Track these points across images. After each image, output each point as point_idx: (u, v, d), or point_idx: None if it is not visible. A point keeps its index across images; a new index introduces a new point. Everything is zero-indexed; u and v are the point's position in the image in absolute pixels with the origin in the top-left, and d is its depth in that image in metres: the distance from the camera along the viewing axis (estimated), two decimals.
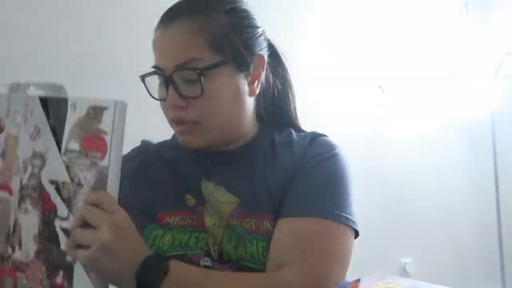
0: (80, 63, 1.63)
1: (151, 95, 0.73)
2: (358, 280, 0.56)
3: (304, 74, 1.96)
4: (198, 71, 0.67)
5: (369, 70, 2.07)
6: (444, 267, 2.12)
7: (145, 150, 0.83)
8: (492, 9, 2.28)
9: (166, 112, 0.73)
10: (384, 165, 2.06)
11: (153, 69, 0.72)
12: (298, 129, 0.82)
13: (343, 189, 0.70)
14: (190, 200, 0.74)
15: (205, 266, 0.69)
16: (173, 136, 0.82)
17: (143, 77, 0.74)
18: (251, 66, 0.73)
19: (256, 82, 0.75)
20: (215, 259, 0.69)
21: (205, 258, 0.69)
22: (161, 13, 0.74)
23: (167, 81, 0.69)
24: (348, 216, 0.67)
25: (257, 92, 0.75)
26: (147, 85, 0.74)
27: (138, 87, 0.77)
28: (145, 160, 0.81)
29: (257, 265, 0.67)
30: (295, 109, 0.85)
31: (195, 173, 0.76)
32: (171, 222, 0.72)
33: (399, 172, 2.10)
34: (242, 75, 0.72)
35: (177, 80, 0.69)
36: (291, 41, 1.98)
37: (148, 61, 0.74)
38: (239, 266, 0.68)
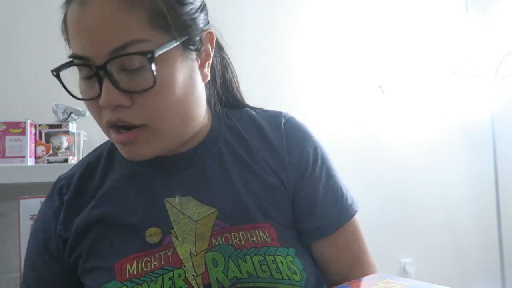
0: None
1: (71, 94, 0.58)
2: (358, 280, 0.56)
3: (299, 74, 1.96)
4: (149, 55, 0.51)
5: (368, 70, 2.07)
6: (444, 267, 2.12)
7: (66, 185, 0.65)
8: (492, 9, 2.28)
9: (98, 115, 0.57)
10: (383, 165, 2.06)
11: (71, 60, 0.57)
12: (252, 108, 0.73)
13: (338, 177, 0.69)
14: (154, 235, 0.58)
15: None
16: (98, 153, 0.68)
17: (57, 71, 0.58)
18: (201, 45, 0.60)
19: (206, 65, 0.62)
20: None
21: None
22: None
23: (99, 73, 0.52)
24: (354, 202, 0.68)
25: (209, 77, 0.63)
26: (63, 81, 0.59)
27: None
28: (75, 199, 0.64)
29: (256, 283, 0.55)
30: (240, 90, 0.75)
31: (151, 192, 0.61)
32: (133, 273, 0.56)
33: (398, 172, 2.10)
34: (192, 57, 0.59)
35: (113, 71, 0.52)
36: (284, 40, 1.98)
37: None
38: None
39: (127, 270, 0.56)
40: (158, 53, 0.52)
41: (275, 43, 1.90)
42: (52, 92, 1.57)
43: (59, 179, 0.68)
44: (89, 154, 0.70)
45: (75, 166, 0.69)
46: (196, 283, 0.55)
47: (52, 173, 1.26)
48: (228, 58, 0.74)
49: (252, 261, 0.56)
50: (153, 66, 0.52)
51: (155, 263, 0.56)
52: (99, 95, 0.53)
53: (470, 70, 2.13)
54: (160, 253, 0.57)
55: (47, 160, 1.35)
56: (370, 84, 2.07)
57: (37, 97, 1.57)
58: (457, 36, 2.25)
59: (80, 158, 1.45)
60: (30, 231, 0.68)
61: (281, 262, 0.57)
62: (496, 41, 2.20)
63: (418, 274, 2.01)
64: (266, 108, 0.76)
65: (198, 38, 0.59)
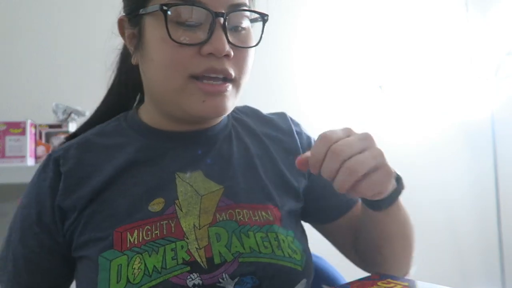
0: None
1: (170, 36, 0.54)
2: (358, 280, 0.56)
3: (299, 74, 1.96)
4: (266, 17, 0.59)
5: (368, 70, 2.07)
6: (444, 267, 2.12)
7: (63, 156, 0.63)
8: (492, 9, 2.28)
9: (184, 64, 0.55)
10: None
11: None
12: None
13: None
14: (156, 204, 0.58)
15: (195, 286, 0.53)
16: (98, 129, 0.67)
17: (168, 6, 0.54)
18: None
19: None
20: (205, 267, 0.54)
21: (191, 275, 0.54)
22: None
23: (215, 21, 0.54)
24: None
25: None
26: (168, 21, 0.54)
27: None
28: (75, 170, 0.61)
29: (258, 258, 0.56)
30: None
31: (162, 166, 0.62)
32: (134, 242, 0.55)
33: (398, 172, 2.09)
34: None
35: (227, 24, 0.56)
36: (284, 40, 1.98)
37: None
38: (237, 265, 0.56)
39: (128, 239, 0.55)
40: (264, 18, 0.60)
41: (275, 43, 1.90)
42: (52, 92, 1.58)
43: (53, 151, 0.65)
44: (87, 132, 0.68)
45: (70, 142, 0.66)
46: (199, 255, 0.55)
47: None
48: None
49: (254, 237, 0.58)
50: (263, 29, 0.59)
51: (156, 232, 0.56)
52: (204, 42, 0.55)
53: (470, 70, 2.13)
54: (162, 222, 0.56)
55: None
56: (370, 84, 2.07)
57: (37, 97, 1.57)
58: (457, 36, 2.25)
59: None
60: (18, 205, 0.65)
61: (283, 240, 0.59)
62: (496, 41, 2.20)
63: (418, 274, 2.01)
64: (266, 108, 0.77)
65: None
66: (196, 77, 0.56)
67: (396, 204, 0.60)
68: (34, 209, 0.61)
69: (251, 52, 0.60)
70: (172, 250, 0.55)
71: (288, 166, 0.68)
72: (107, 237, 0.56)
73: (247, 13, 0.59)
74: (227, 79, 0.57)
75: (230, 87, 0.58)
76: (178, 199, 0.59)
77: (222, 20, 0.55)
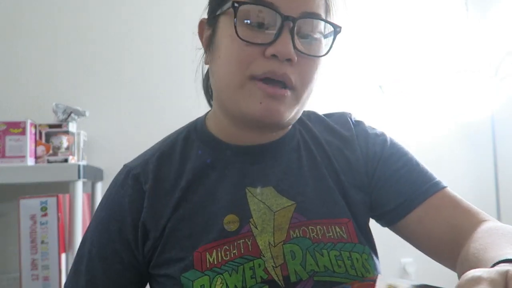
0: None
1: (237, 33, 0.55)
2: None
3: None
4: (338, 29, 0.58)
5: (368, 70, 2.07)
6: (444, 267, 2.11)
7: (143, 173, 0.63)
8: (492, 9, 2.28)
9: (247, 63, 0.55)
10: None
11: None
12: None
13: (414, 156, 0.70)
14: (232, 222, 0.58)
15: None
16: (170, 141, 0.66)
17: (240, 4, 0.54)
18: None
19: None
20: (282, 285, 0.55)
21: None
22: None
23: (284, 24, 0.54)
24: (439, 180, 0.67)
25: None
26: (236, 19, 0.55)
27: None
28: (156, 187, 0.62)
29: (332, 277, 0.56)
30: None
31: (232, 180, 0.61)
32: (213, 262, 0.56)
33: None
34: None
35: (295, 29, 0.55)
36: None
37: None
38: (312, 283, 0.56)
39: (207, 259, 0.56)
40: (337, 31, 0.58)
41: None
42: (52, 92, 1.58)
43: (130, 167, 0.65)
44: (160, 143, 0.68)
45: (146, 154, 0.67)
46: (276, 274, 0.55)
47: (52, 173, 1.27)
48: None
49: (328, 255, 0.57)
50: (333, 39, 0.58)
51: (234, 251, 0.56)
52: (270, 43, 0.54)
53: (470, 70, 2.13)
54: (239, 242, 0.57)
55: (47, 160, 1.35)
56: (370, 84, 2.07)
57: (37, 97, 1.57)
58: (457, 35, 2.25)
59: (80, 158, 1.45)
60: (94, 219, 0.64)
61: (357, 259, 0.58)
62: (497, 40, 2.20)
63: (418, 274, 2.01)
64: None
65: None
66: (256, 78, 0.56)
67: None
68: (114, 226, 0.61)
69: (317, 64, 0.59)
70: (250, 268, 0.55)
71: (348, 179, 0.65)
72: (187, 257, 0.57)
73: (321, 25, 0.58)
74: (286, 85, 0.56)
75: (289, 93, 0.57)
76: (252, 217, 0.59)
77: (291, 24, 0.54)
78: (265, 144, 0.64)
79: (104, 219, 0.63)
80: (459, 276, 0.54)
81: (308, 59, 0.57)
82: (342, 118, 0.73)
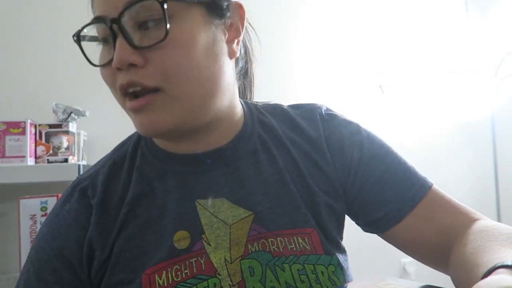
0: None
1: (88, 60, 0.53)
2: (357, 282, 0.56)
3: (299, 74, 1.96)
4: (164, 4, 0.47)
5: (368, 70, 2.07)
6: None
7: (92, 187, 0.58)
8: (492, 9, 2.28)
9: (112, 81, 0.51)
10: None
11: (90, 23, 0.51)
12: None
13: (396, 152, 0.64)
14: (182, 239, 0.53)
15: None
16: (123, 150, 0.61)
17: (77, 36, 0.53)
18: (228, 16, 0.55)
19: (236, 42, 0.56)
20: None
21: None
22: None
23: (114, 30, 0.48)
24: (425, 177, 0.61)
25: (238, 54, 0.56)
26: (83, 49, 0.53)
27: None
28: (103, 202, 0.56)
29: None
30: (253, 90, 0.72)
31: (181, 192, 0.56)
32: (163, 285, 0.50)
33: None
34: (218, 25, 0.53)
35: (127, 27, 0.48)
36: (283, 39, 1.98)
37: None
38: None
39: (156, 282, 0.50)
40: (173, 4, 0.48)
41: (275, 44, 1.89)
42: (52, 92, 1.58)
43: (80, 179, 0.60)
44: (114, 150, 0.64)
45: (98, 164, 0.62)
46: None
47: (52, 173, 1.27)
48: (252, 49, 0.68)
49: (290, 270, 0.52)
50: (165, 16, 0.47)
51: (186, 271, 0.51)
52: (112, 57, 0.49)
53: (470, 70, 2.13)
54: (191, 260, 0.52)
55: (47, 160, 1.35)
56: (370, 84, 2.07)
57: (37, 97, 1.57)
58: (457, 35, 2.25)
59: (80, 158, 1.45)
60: (37, 235, 0.59)
61: (322, 272, 0.53)
62: (496, 40, 2.20)
63: (418, 274, 2.00)
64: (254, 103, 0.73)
65: (225, 4, 0.54)
66: (125, 93, 0.51)
67: None
68: (55, 242, 0.56)
69: (178, 48, 0.49)
70: None
71: (317, 183, 0.59)
72: (135, 280, 0.52)
73: (153, 6, 0.47)
74: (149, 91, 0.49)
75: (157, 98, 0.49)
76: (204, 233, 0.53)
77: (116, 26, 0.48)
78: (214, 150, 0.57)
79: (46, 236, 0.57)
80: (453, 280, 0.53)
81: (160, 50, 0.48)
82: (309, 113, 0.65)
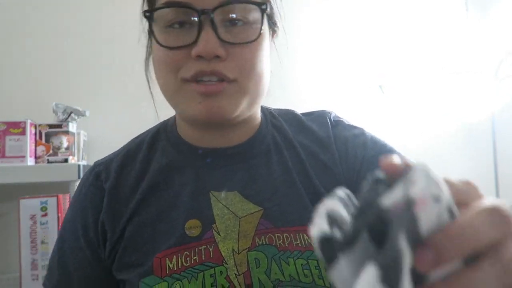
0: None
1: (157, 40, 0.54)
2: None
3: (299, 73, 1.96)
4: (263, 6, 0.52)
5: (368, 70, 2.07)
6: None
7: (105, 171, 0.62)
8: (492, 9, 2.28)
9: (177, 67, 0.54)
10: None
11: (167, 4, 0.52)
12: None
13: (397, 150, 0.65)
14: (194, 228, 0.56)
15: None
16: (139, 141, 0.65)
17: (151, 12, 0.53)
18: (274, 19, 0.61)
19: (272, 42, 0.63)
20: None
21: None
22: None
23: (201, 20, 0.51)
24: None
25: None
26: (153, 27, 0.54)
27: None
28: (116, 188, 0.60)
29: (298, 287, 0.53)
30: None
31: (196, 184, 0.59)
32: (173, 268, 0.54)
33: None
34: (270, 30, 0.61)
35: (216, 20, 0.51)
36: (284, 40, 1.98)
37: None
38: None
39: (167, 265, 0.54)
40: (266, 11, 0.53)
41: (275, 44, 1.90)
42: (52, 92, 1.58)
43: (95, 164, 0.64)
44: (130, 141, 0.67)
45: (114, 152, 0.66)
46: (238, 282, 0.53)
47: (52, 173, 1.27)
48: None
49: (295, 264, 0.54)
50: (263, 19, 0.53)
51: (195, 257, 0.54)
52: (193, 43, 0.51)
53: (470, 70, 2.13)
54: (200, 248, 0.55)
55: (47, 160, 1.35)
56: (370, 84, 2.07)
57: (37, 97, 1.57)
58: (457, 36, 2.25)
59: (80, 158, 1.46)
60: (64, 218, 0.64)
61: (325, 268, 0.54)
62: (497, 40, 2.20)
63: None
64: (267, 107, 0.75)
65: (275, 8, 0.59)
66: (189, 80, 0.54)
67: None
68: (79, 223, 0.61)
69: (257, 50, 0.54)
70: (211, 276, 0.53)
71: (324, 184, 0.61)
72: (147, 263, 0.55)
73: (249, 8, 0.53)
74: (224, 79, 0.53)
75: (227, 86, 0.53)
76: (215, 223, 0.56)
77: (209, 17, 0.51)
78: (232, 147, 0.61)
79: (70, 217, 0.63)
80: None
81: (242, 47, 0.52)
82: (320, 117, 0.69)
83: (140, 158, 0.63)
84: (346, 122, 0.69)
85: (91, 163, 0.64)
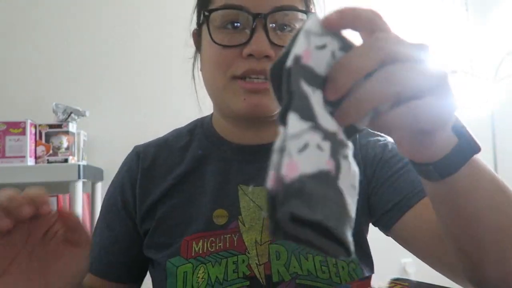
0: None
1: (212, 39, 0.57)
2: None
3: None
4: (310, 15, 0.57)
5: None
6: None
7: (144, 152, 0.68)
8: (492, 10, 2.28)
9: (228, 64, 0.58)
10: None
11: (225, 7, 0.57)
12: None
13: None
14: (221, 217, 0.60)
15: None
16: (177, 132, 0.70)
17: (210, 12, 0.58)
18: None
19: None
20: (263, 283, 0.56)
21: None
22: None
23: (255, 23, 0.55)
24: None
25: None
26: (209, 27, 0.58)
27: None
28: (151, 170, 0.65)
29: (315, 282, 0.56)
30: None
31: (226, 176, 0.63)
32: (199, 251, 0.58)
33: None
34: None
35: (268, 23, 0.56)
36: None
37: None
38: (293, 286, 0.56)
39: (193, 248, 0.58)
40: None
41: None
42: (52, 92, 1.58)
43: (136, 146, 0.70)
44: (168, 133, 0.72)
45: (153, 140, 0.71)
46: (259, 271, 0.57)
47: (52, 173, 1.27)
48: None
49: (313, 260, 0.57)
50: None
51: (219, 244, 0.58)
52: (245, 43, 0.56)
53: (470, 70, 2.13)
54: (225, 236, 0.58)
55: (47, 160, 1.35)
56: None
57: (37, 97, 1.57)
58: (457, 36, 2.25)
59: (80, 158, 1.45)
60: (106, 194, 0.69)
61: (343, 267, 0.58)
62: (496, 41, 2.20)
63: (418, 274, 2.00)
64: None
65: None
66: (238, 78, 0.57)
67: (466, 170, 0.39)
68: (119, 197, 0.66)
69: None
70: (234, 263, 0.57)
71: None
72: (174, 244, 0.59)
73: (299, 15, 0.58)
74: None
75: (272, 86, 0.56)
76: (241, 215, 0.60)
77: (262, 20, 0.55)
78: (263, 144, 0.64)
79: (112, 192, 0.68)
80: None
81: None
82: None
83: (177, 147, 0.67)
84: (370, 130, 0.71)
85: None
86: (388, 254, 2.15)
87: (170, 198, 0.63)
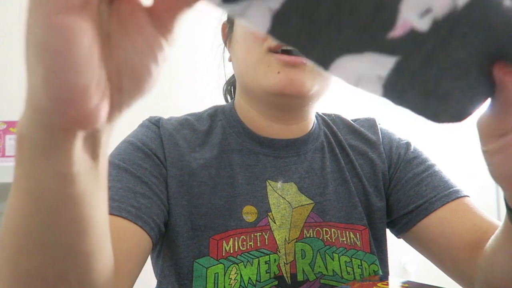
0: None
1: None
2: (357, 281, 0.56)
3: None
4: None
5: None
6: None
7: (163, 121, 0.62)
8: None
9: (261, 41, 0.55)
10: None
11: None
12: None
13: (438, 165, 0.66)
14: (250, 213, 0.57)
15: None
16: (197, 115, 0.65)
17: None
18: None
19: None
20: (289, 282, 0.55)
21: None
22: None
23: None
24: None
25: None
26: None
27: None
28: (172, 143, 0.59)
29: (340, 283, 0.56)
30: None
31: (254, 170, 0.60)
32: (230, 251, 0.54)
33: None
34: None
35: None
36: None
37: None
38: (318, 286, 0.56)
39: (224, 248, 0.54)
40: None
41: None
42: None
43: (151, 117, 0.63)
44: (187, 114, 0.66)
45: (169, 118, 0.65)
46: (285, 270, 0.55)
47: None
48: None
49: (339, 260, 0.57)
50: None
51: (250, 243, 0.55)
52: None
53: None
54: (256, 234, 0.56)
55: None
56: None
57: None
58: None
59: None
60: (122, 145, 0.58)
61: (366, 268, 0.58)
62: None
63: (418, 273, 2.00)
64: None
65: None
66: (273, 50, 0.54)
67: None
68: (151, 144, 0.57)
69: None
70: (266, 263, 0.55)
71: (371, 182, 0.63)
72: (202, 243, 0.54)
73: None
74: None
75: (310, 66, 0.53)
76: (271, 211, 0.57)
77: None
78: (290, 139, 0.63)
79: (135, 140, 0.58)
80: (485, 277, 0.51)
81: None
82: (368, 121, 0.72)
83: (201, 129, 0.62)
84: (391, 131, 0.73)
85: None
86: (388, 254, 2.15)
87: (196, 176, 0.56)
